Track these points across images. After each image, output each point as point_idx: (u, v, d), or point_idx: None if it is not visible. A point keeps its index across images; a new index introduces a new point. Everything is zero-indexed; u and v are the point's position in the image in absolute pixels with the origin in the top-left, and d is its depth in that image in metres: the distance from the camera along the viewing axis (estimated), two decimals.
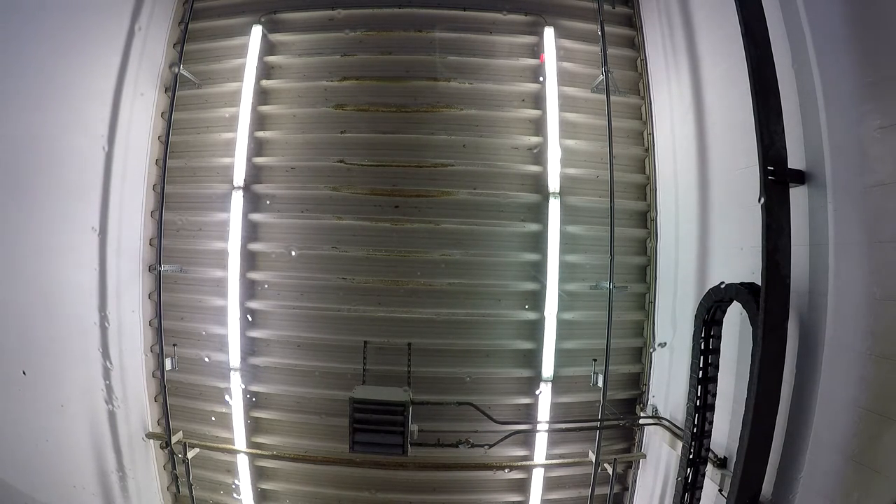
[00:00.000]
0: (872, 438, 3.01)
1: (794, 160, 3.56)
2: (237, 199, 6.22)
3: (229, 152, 6.31)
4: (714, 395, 4.34)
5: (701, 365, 4.31)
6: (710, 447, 4.47)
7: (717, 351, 4.31)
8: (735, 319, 4.24)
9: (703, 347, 4.30)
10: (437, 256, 6.22)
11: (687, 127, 5.52)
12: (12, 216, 4.84)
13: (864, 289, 3.12)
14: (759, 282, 3.55)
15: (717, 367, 4.32)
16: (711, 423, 4.39)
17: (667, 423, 5.62)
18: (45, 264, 5.22)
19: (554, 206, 6.09)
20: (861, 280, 3.14)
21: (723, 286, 4.01)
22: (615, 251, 5.84)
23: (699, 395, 4.33)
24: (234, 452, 6.42)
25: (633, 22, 6.55)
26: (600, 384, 5.86)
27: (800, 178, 3.57)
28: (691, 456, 4.43)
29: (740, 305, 3.93)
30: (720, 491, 4.36)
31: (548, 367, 6.11)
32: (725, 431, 4.44)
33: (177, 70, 6.09)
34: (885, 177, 3.00)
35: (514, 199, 6.27)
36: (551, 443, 6.29)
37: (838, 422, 3.23)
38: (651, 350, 6.27)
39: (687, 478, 4.42)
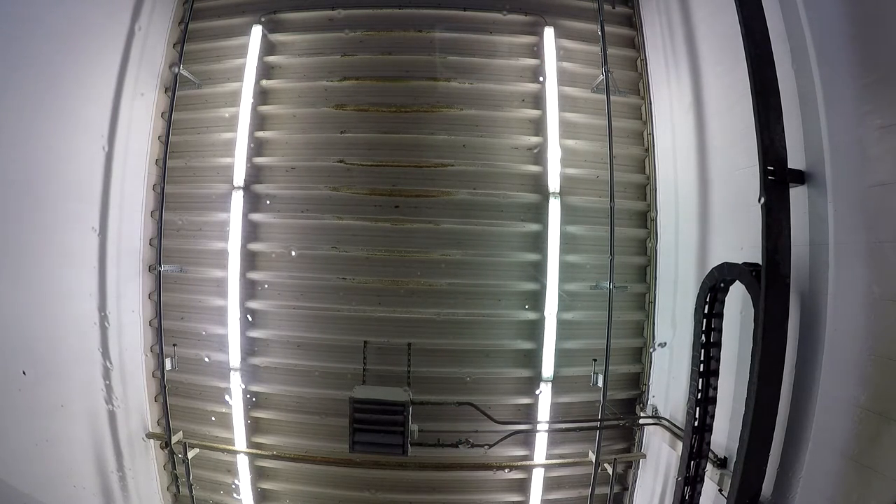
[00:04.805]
0: (872, 438, 3.01)
1: (794, 160, 3.56)
2: (237, 199, 6.22)
3: (229, 152, 6.31)
4: (716, 389, 4.32)
5: (702, 357, 4.30)
6: (711, 447, 4.46)
7: (717, 344, 4.30)
8: (735, 319, 4.24)
9: (703, 340, 4.28)
10: (437, 256, 6.22)
11: (687, 127, 5.52)
12: (12, 216, 4.83)
13: (864, 288, 3.12)
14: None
15: (718, 361, 4.31)
16: (713, 416, 4.36)
17: (667, 423, 5.62)
18: (45, 264, 5.21)
19: (554, 206, 6.09)
20: (861, 280, 3.14)
21: (726, 267, 3.96)
22: (615, 251, 5.84)
23: (700, 388, 4.31)
24: (234, 452, 6.42)
25: (633, 22, 6.55)
26: (600, 384, 5.86)
27: (800, 178, 3.57)
28: (692, 449, 4.41)
29: (740, 305, 3.93)
30: (720, 491, 4.36)
31: (548, 367, 6.11)
32: (725, 431, 4.44)
33: (177, 70, 6.09)
34: (885, 177, 3.00)
35: (514, 199, 6.27)
36: (551, 443, 6.29)
37: (838, 422, 3.23)
38: (651, 350, 6.27)
39: (688, 474, 4.41)
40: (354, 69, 6.39)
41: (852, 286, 3.22)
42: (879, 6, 3.06)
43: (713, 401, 4.34)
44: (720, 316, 4.26)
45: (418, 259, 6.23)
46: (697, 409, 4.34)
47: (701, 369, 4.30)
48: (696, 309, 4.32)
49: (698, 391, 4.31)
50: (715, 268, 4.08)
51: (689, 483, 4.42)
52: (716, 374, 4.31)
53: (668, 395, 5.82)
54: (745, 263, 3.76)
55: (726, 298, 4.21)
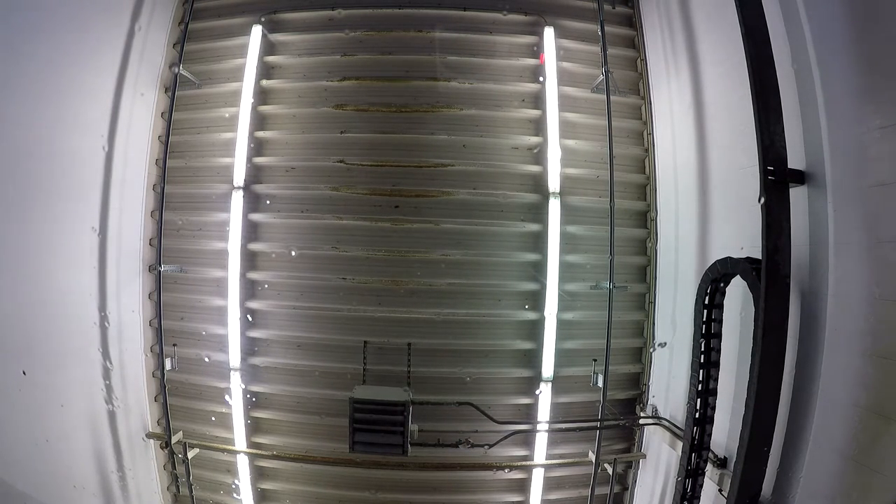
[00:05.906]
0: (872, 438, 3.01)
1: (794, 160, 3.56)
2: (237, 199, 6.21)
3: (229, 152, 6.31)
4: (716, 380, 4.31)
5: (703, 349, 4.29)
6: (711, 447, 4.46)
7: (718, 335, 4.29)
8: (735, 319, 4.24)
9: (704, 331, 4.28)
10: (437, 256, 6.22)
11: (687, 127, 5.52)
12: (12, 216, 4.83)
13: (864, 289, 3.12)
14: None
15: (718, 352, 4.30)
16: (713, 408, 4.35)
17: (667, 423, 5.62)
18: (45, 264, 5.21)
19: (554, 206, 6.09)
20: (861, 280, 3.14)
21: (728, 261, 3.97)
22: (615, 251, 5.84)
23: (701, 379, 4.30)
24: (234, 452, 6.42)
25: (633, 22, 6.55)
26: (600, 384, 5.86)
27: (800, 178, 3.57)
28: (694, 441, 4.40)
29: (740, 306, 3.92)
30: (720, 491, 4.36)
31: (548, 367, 6.11)
32: (725, 431, 4.44)
33: (177, 70, 6.09)
34: (885, 177, 3.00)
35: (514, 199, 6.27)
36: (551, 443, 6.29)
37: (838, 421, 3.23)
38: (651, 350, 6.27)
39: (689, 466, 4.40)
40: (354, 69, 6.39)
41: (852, 286, 3.22)
42: (879, 6, 3.06)
43: (714, 392, 4.33)
44: (721, 307, 4.26)
45: (418, 259, 6.23)
46: (698, 400, 4.33)
47: (702, 360, 4.29)
48: (696, 300, 4.31)
49: (699, 382, 4.31)
50: (718, 261, 4.09)
51: (691, 475, 4.41)
52: (716, 365, 4.31)
53: (668, 395, 5.82)
54: (746, 259, 3.76)
55: (726, 298, 4.21)
